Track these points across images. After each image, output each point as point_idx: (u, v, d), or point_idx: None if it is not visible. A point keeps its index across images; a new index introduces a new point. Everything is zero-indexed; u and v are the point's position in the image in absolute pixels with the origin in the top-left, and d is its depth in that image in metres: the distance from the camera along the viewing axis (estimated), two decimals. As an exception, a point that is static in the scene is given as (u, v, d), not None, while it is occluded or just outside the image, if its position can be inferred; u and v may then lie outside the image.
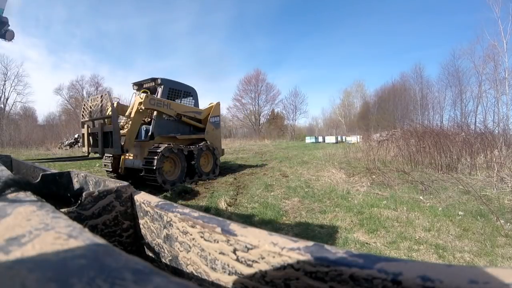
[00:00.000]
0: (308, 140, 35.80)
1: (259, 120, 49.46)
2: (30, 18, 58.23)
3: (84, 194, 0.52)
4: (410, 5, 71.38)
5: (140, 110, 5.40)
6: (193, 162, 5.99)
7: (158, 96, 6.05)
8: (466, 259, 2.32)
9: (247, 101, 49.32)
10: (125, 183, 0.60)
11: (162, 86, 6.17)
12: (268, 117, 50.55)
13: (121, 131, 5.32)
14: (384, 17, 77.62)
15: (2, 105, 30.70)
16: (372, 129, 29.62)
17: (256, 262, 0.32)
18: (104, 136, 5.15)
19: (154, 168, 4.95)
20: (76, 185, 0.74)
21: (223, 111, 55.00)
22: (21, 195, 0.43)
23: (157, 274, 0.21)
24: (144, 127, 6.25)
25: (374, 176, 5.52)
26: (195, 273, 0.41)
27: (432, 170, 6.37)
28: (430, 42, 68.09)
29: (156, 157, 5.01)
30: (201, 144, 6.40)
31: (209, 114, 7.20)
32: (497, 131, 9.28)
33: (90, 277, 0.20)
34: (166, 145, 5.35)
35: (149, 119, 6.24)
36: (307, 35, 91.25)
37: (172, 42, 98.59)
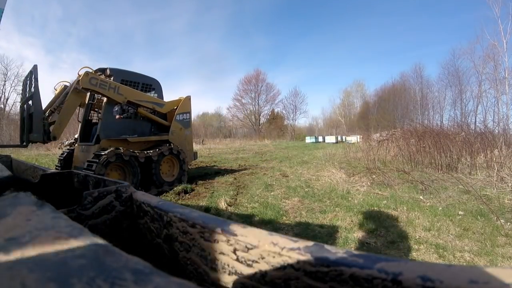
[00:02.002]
0: (308, 140, 35.82)
1: (259, 120, 49.50)
2: (26, 16, 58.29)
3: (84, 194, 0.52)
4: (410, 4, 71.44)
5: (77, 90, 4.50)
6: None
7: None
8: (466, 258, 2.32)
9: (247, 101, 49.47)
10: (125, 183, 0.60)
11: (112, 78, 5.06)
12: (268, 117, 50.62)
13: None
14: (384, 16, 77.67)
15: (2, 105, 30.71)
16: (372, 129, 29.64)
17: (256, 262, 0.32)
18: (30, 120, 4.20)
19: (93, 173, 3.96)
20: (76, 185, 0.74)
21: (223, 111, 55.24)
22: (21, 195, 0.43)
23: (157, 274, 0.21)
24: (95, 128, 5.38)
25: (374, 176, 5.52)
26: (195, 273, 0.41)
27: (432, 170, 6.37)
28: (430, 41, 68.20)
29: (97, 161, 4.13)
30: (163, 147, 5.24)
31: (175, 109, 5.97)
32: (497, 131, 9.28)
33: (90, 277, 0.20)
34: (113, 149, 4.39)
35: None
36: (306, 34, 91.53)
37: (170, 41, 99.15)
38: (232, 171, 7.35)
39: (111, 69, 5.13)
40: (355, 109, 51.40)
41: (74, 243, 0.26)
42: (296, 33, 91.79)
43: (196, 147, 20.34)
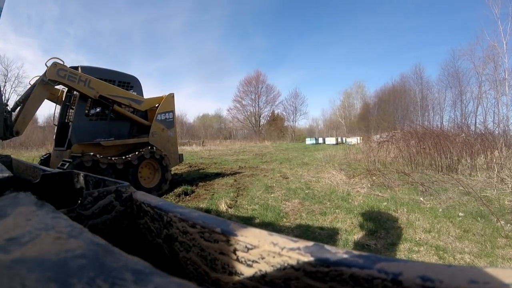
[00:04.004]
0: (308, 141, 35.73)
1: (259, 122, 49.53)
2: (22, 16, 58.35)
3: (84, 194, 0.53)
4: (410, 4, 71.62)
5: (44, 83, 4.15)
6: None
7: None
8: (467, 260, 2.32)
9: (248, 103, 49.51)
10: (125, 183, 0.60)
11: None
12: (268, 118, 50.65)
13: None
14: (384, 16, 77.90)
15: (2, 107, 30.71)
16: (372, 130, 29.66)
17: (256, 262, 0.32)
18: None
19: None
20: (76, 185, 0.74)
21: (223, 112, 55.26)
22: (21, 195, 0.43)
23: (157, 274, 0.21)
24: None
25: (374, 178, 5.51)
26: (195, 273, 0.41)
27: (433, 171, 6.36)
28: (430, 42, 68.28)
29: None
30: (142, 150, 4.83)
31: (156, 107, 5.54)
32: (497, 132, 9.30)
33: (90, 277, 0.20)
34: (80, 155, 4.03)
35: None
36: (306, 35, 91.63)
37: (168, 42, 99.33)
38: (232, 173, 7.34)
39: (82, 67, 4.78)
40: (355, 111, 51.46)
41: (74, 243, 0.26)
42: (295, 34, 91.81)
43: (196, 148, 20.33)
